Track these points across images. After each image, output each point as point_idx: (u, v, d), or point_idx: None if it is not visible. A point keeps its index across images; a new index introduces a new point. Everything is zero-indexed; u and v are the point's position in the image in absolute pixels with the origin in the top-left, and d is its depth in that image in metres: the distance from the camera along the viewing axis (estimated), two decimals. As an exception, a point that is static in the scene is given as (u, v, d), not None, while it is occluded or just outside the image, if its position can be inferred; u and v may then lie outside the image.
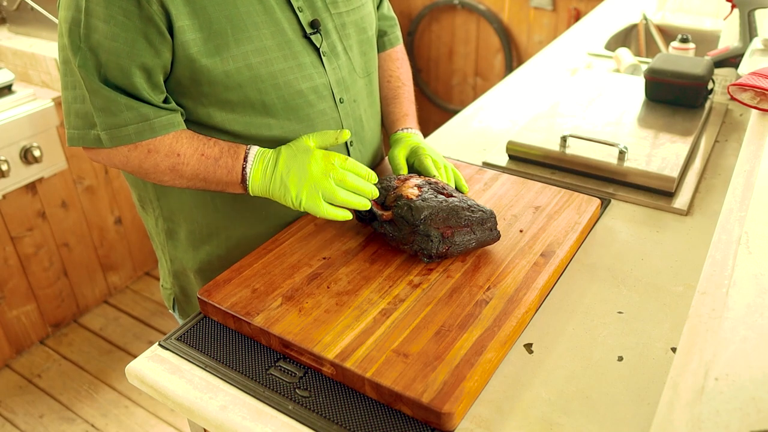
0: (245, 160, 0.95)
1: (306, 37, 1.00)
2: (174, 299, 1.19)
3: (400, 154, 1.11)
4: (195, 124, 0.98)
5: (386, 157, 1.23)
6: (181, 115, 0.96)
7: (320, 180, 0.92)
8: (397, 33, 1.28)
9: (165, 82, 0.94)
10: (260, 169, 0.94)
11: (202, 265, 1.10)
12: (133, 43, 0.87)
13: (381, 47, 1.25)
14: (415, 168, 1.11)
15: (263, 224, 1.06)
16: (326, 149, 0.98)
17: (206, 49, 0.91)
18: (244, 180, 0.95)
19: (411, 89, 1.26)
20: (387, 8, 1.25)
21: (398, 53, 1.27)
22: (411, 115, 1.21)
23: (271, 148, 0.99)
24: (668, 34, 2.08)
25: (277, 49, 0.96)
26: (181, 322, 1.22)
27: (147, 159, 0.94)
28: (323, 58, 1.02)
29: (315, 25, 1.00)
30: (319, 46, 1.01)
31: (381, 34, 1.24)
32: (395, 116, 1.20)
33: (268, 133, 1.00)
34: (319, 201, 0.92)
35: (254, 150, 0.96)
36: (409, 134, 1.16)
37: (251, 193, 0.96)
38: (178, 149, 0.94)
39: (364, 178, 0.96)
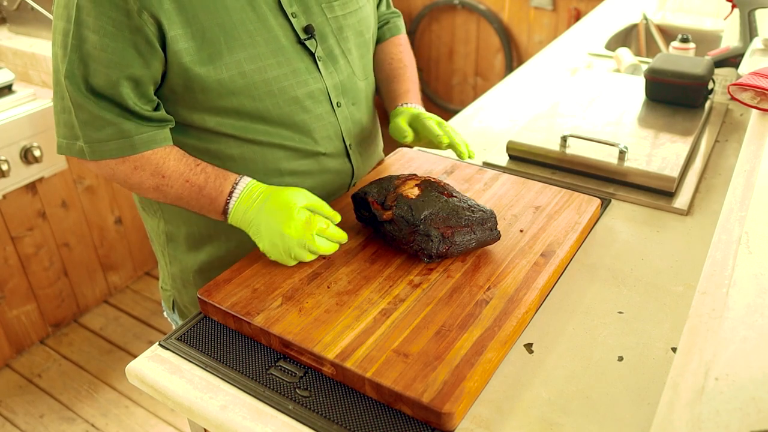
0: (230, 195, 0.96)
1: (300, 42, 0.99)
2: (173, 301, 1.19)
3: (402, 120, 1.08)
4: (189, 127, 0.98)
5: (384, 159, 1.23)
6: (169, 125, 0.96)
7: (294, 247, 0.92)
8: (399, 23, 1.25)
9: (158, 90, 0.94)
10: (243, 206, 0.95)
11: (203, 266, 1.10)
12: (122, 54, 0.87)
13: (382, 36, 1.22)
14: (419, 133, 1.07)
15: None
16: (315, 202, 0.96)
17: (199, 57, 0.90)
18: (225, 213, 0.97)
19: (414, 72, 1.22)
20: (386, 5, 1.25)
21: (401, 39, 1.24)
22: (413, 92, 1.17)
23: (269, 151, 0.99)
24: (668, 34, 2.08)
25: (271, 56, 0.95)
26: (177, 324, 1.21)
27: (133, 174, 0.95)
28: (319, 63, 1.01)
29: (309, 30, 0.99)
30: (314, 52, 1.01)
31: (383, 23, 1.22)
32: (396, 93, 1.16)
33: (265, 138, 0.99)
34: (287, 260, 0.94)
35: (242, 184, 0.96)
36: (410, 107, 1.12)
37: (229, 222, 0.98)
38: (164, 171, 0.95)
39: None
